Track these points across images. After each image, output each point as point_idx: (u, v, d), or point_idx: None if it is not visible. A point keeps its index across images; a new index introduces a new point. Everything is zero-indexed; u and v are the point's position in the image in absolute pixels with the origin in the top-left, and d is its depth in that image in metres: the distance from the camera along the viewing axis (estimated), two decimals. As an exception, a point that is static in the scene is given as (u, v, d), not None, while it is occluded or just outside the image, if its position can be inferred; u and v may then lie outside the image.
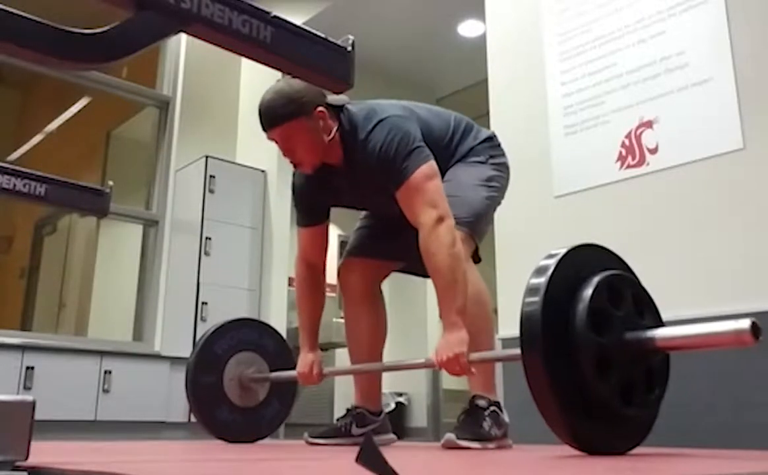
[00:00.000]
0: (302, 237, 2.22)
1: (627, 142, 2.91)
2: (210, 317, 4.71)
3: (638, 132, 2.88)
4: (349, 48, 1.13)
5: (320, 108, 1.99)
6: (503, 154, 2.23)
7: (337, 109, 2.05)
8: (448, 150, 2.12)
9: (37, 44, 0.88)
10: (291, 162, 2.04)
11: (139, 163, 5.78)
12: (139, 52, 0.94)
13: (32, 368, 4.20)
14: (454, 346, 1.76)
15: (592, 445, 1.31)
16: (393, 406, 5.63)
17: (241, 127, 5.78)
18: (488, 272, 2.95)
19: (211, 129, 5.61)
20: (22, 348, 4.23)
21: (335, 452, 1.78)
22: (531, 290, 1.31)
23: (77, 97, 6.42)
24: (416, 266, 1.99)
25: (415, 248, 1.89)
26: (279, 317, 5.06)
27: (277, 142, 2.02)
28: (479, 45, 3.92)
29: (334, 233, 2.29)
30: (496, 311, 2.75)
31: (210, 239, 5.02)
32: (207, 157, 5.17)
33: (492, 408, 1.96)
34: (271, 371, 2.42)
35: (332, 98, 2.03)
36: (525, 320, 1.30)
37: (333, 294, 2.38)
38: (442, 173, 2.00)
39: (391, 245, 2.21)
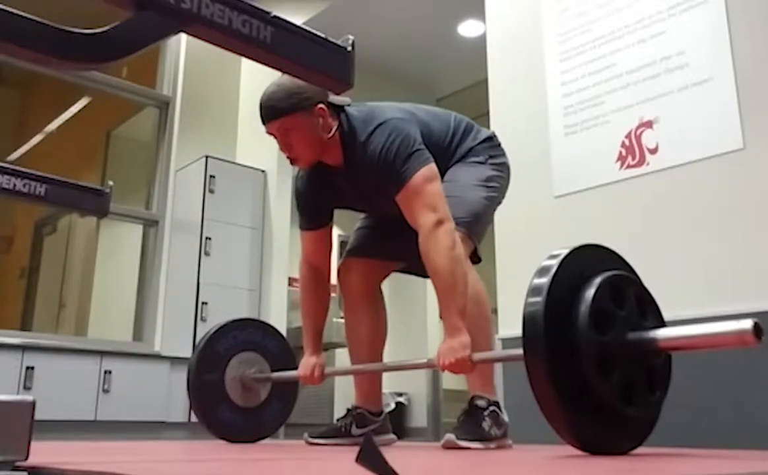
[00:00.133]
0: (305, 241, 2.22)
1: (627, 142, 2.91)
2: (210, 317, 4.71)
3: (638, 132, 2.88)
4: (349, 48, 1.13)
5: (321, 105, 1.99)
6: (503, 154, 2.23)
7: (338, 109, 2.05)
8: (448, 151, 2.12)
9: (37, 44, 0.87)
10: (288, 157, 2.04)
11: (139, 163, 5.78)
12: (139, 52, 0.94)
13: (32, 368, 4.20)
14: (458, 351, 1.77)
15: (594, 445, 1.32)
16: (393, 406, 5.62)
17: (241, 127, 5.78)
18: (488, 272, 2.95)
19: (211, 129, 5.61)
20: (22, 348, 4.23)
21: (335, 452, 1.78)
22: (534, 290, 1.31)
23: (77, 97, 6.42)
24: (416, 266, 1.99)
25: (415, 248, 1.89)
26: (279, 317, 5.06)
27: (275, 137, 2.02)
28: (479, 45, 3.92)
29: (334, 233, 2.29)
30: (495, 311, 2.75)
31: (210, 238, 5.02)
32: (207, 157, 5.17)
33: (491, 408, 1.96)
34: (273, 371, 2.42)
35: (334, 98, 2.03)
36: (528, 321, 1.30)
37: (333, 294, 2.38)
38: (442, 174, 2.01)
39: (391, 245, 2.21)
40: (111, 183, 1.98)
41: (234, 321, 2.47)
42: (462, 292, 1.82)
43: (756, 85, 2.55)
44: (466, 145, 2.16)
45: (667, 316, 1.42)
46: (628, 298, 1.36)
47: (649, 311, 1.39)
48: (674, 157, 2.74)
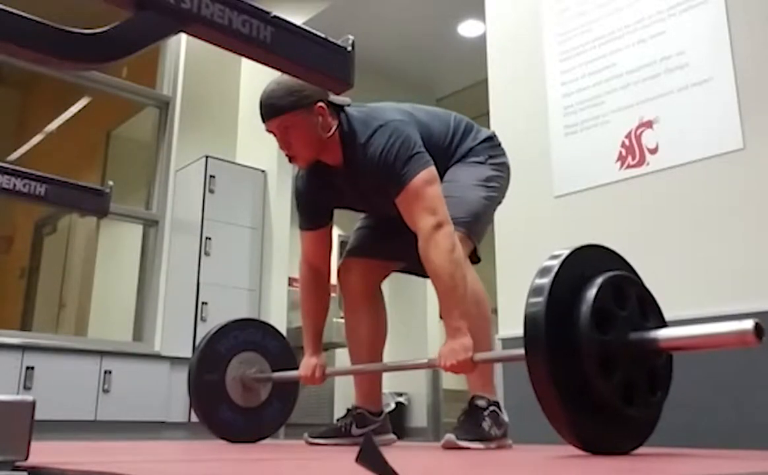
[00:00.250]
0: (305, 241, 2.22)
1: (627, 142, 2.91)
2: (210, 317, 4.71)
3: (638, 132, 2.88)
4: (349, 48, 1.13)
5: (321, 104, 1.99)
6: (503, 154, 2.23)
7: (338, 109, 2.05)
8: (448, 151, 2.12)
9: (37, 44, 0.87)
10: (287, 155, 2.05)
11: (139, 163, 5.78)
12: (139, 52, 0.94)
13: (32, 368, 4.20)
14: (459, 352, 1.77)
15: (595, 444, 1.32)
16: (393, 406, 5.62)
17: (241, 127, 5.78)
18: (488, 272, 2.95)
19: (211, 129, 5.61)
20: (22, 348, 4.23)
21: (335, 452, 1.78)
22: (535, 291, 1.31)
23: (77, 97, 6.42)
24: (416, 266, 1.99)
25: (414, 248, 1.89)
26: (279, 317, 5.06)
27: (275, 134, 2.03)
28: (479, 45, 3.92)
29: (334, 233, 2.29)
30: (495, 311, 2.75)
31: (210, 238, 5.02)
32: (207, 157, 5.17)
33: (491, 408, 1.96)
34: (273, 371, 2.42)
35: (334, 97, 2.04)
36: (529, 321, 1.30)
37: (333, 294, 2.38)
38: (442, 174, 2.01)
39: (391, 245, 2.21)
40: (111, 183, 1.98)
41: (235, 321, 2.47)
42: (462, 294, 1.83)
43: (756, 85, 2.55)
44: (466, 145, 2.16)
45: (667, 316, 1.42)
46: (630, 298, 1.36)
47: (650, 311, 1.39)
48: (674, 157, 2.74)
